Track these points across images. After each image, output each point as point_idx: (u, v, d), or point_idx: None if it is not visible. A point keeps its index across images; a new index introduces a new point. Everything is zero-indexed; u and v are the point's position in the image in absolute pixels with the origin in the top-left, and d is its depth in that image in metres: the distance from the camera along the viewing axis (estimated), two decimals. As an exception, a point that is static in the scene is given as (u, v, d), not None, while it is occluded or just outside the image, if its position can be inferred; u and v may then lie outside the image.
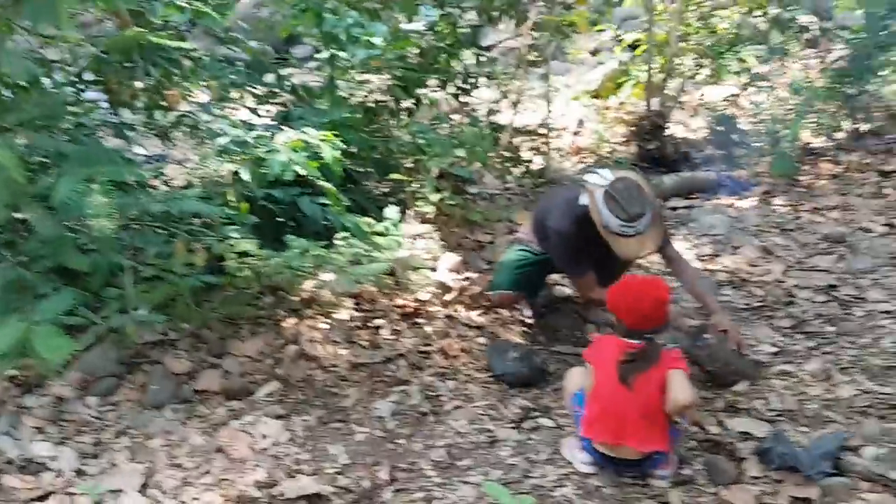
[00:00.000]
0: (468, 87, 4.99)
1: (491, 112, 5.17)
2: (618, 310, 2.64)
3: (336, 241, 3.66)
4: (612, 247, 3.12)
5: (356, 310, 3.70)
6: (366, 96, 4.60)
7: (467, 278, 3.93)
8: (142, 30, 3.23)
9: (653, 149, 5.63)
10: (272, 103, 4.42)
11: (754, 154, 5.69)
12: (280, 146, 3.45)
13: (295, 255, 3.50)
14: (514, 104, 5.07)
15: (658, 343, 2.61)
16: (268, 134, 3.57)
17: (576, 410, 2.72)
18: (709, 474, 2.61)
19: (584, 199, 3.23)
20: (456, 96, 4.91)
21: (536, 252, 3.58)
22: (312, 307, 3.68)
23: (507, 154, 4.88)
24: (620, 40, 6.61)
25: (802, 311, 3.71)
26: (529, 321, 3.76)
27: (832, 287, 3.87)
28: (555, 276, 3.86)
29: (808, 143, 5.69)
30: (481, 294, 3.82)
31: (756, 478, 2.56)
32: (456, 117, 4.98)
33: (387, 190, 4.59)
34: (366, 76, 4.63)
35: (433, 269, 3.97)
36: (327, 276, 3.63)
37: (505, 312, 3.78)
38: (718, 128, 5.95)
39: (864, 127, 5.69)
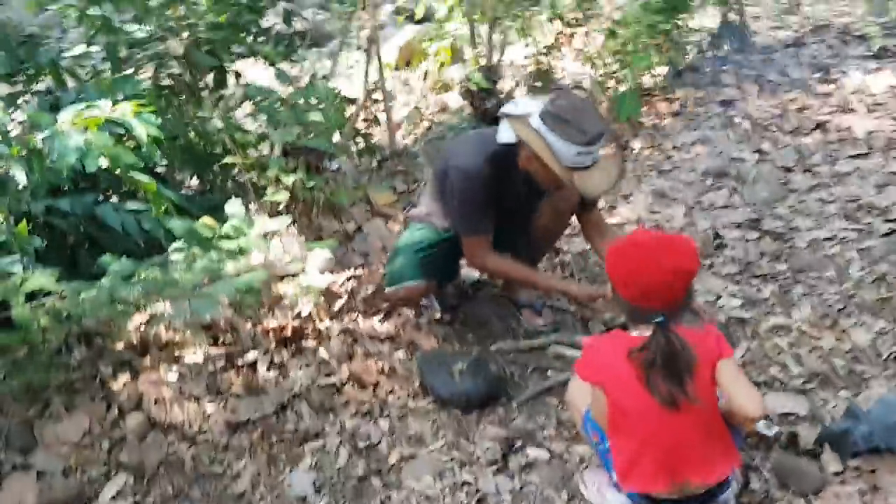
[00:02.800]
0: (282, 52, 4.00)
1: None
2: (619, 279, 1.84)
3: (172, 257, 2.58)
4: (575, 188, 2.39)
5: (213, 345, 2.67)
6: (157, 72, 3.47)
7: (352, 277, 3.02)
8: None
9: (490, 107, 5.02)
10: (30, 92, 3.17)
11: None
12: (66, 127, 2.29)
13: (116, 284, 2.38)
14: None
15: (684, 327, 1.84)
16: (43, 115, 2.38)
17: (595, 441, 1.95)
18: (784, 481, 1.98)
19: (505, 135, 2.47)
20: (272, 62, 3.89)
21: (440, 229, 2.78)
22: (149, 353, 2.60)
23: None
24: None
25: (741, 252, 3.27)
26: (444, 318, 2.94)
27: (755, 221, 3.49)
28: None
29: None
30: (377, 293, 2.95)
31: (839, 473, 1.96)
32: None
33: (207, 187, 3.52)
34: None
35: (300, 274, 3.01)
36: (162, 307, 2.55)
37: (411, 313, 2.93)
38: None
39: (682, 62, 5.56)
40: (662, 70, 5.54)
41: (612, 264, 1.87)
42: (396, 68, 6.68)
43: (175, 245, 2.67)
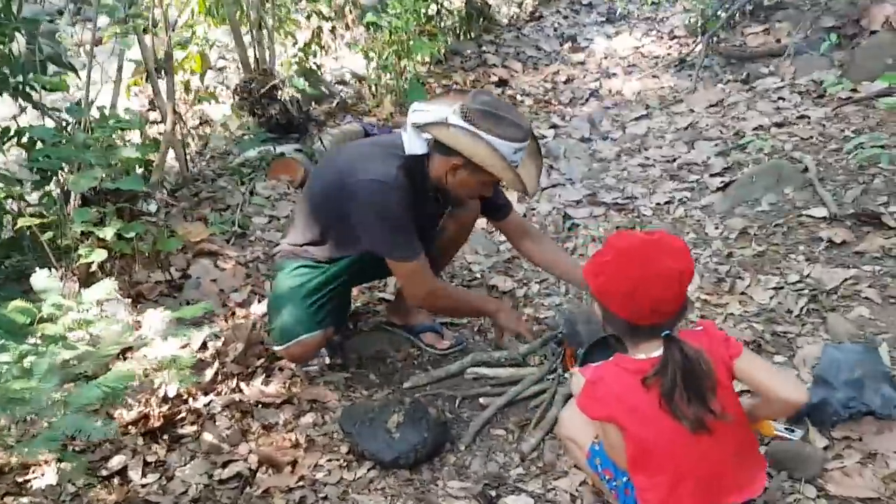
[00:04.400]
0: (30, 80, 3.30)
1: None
2: (615, 297, 1.57)
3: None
4: (509, 187, 2.22)
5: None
6: None
7: (215, 335, 2.61)
8: None
9: (276, 114, 4.65)
10: None
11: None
12: None
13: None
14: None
15: (686, 332, 1.62)
16: None
17: (608, 478, 1.73)
18: (787, 469, 1.86)
19: (414, 145, 2.24)
20: (27, 96, 3.19)
21: (322, 261, 2.44)
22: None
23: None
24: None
25: (596, 230, 3.33)
26: (335, 362, 2.64)
27: (591, 196, 3.60)
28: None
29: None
30: (248, 350, 2.57)
31: (827, 448, 1.91)
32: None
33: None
34: None
35: (141, 345, 2.52)
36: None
37: (294, 365, 2.58)
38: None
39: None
40: (427, 56, 5.55)
41: (604, 283, 1.57)
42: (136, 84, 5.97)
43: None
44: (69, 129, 2.86)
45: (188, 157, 4.09)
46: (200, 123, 5.29)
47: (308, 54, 5.30)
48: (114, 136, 2.92)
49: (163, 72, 3.67)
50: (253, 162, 4.27)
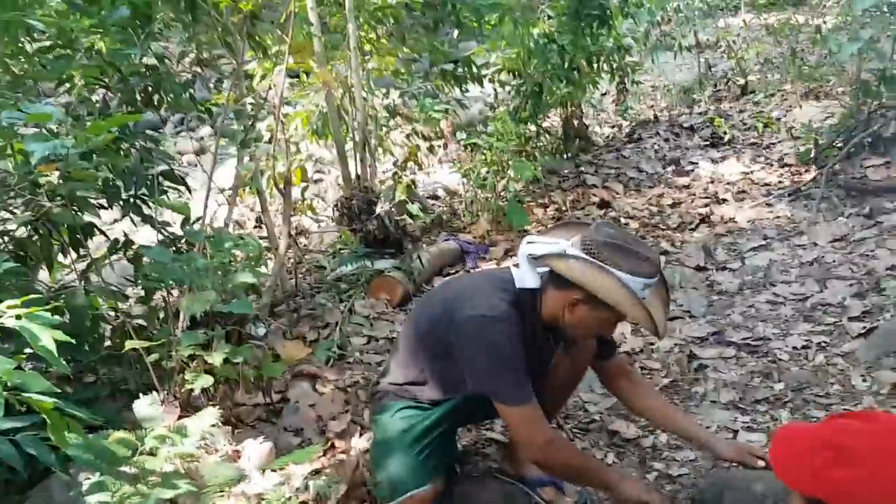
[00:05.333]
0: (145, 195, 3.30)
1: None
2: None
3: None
4: (640, 324, 1.98)
5: None
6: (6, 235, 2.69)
7: (315, 472, 2.40)
8: None
9: (373, 229, 4.59)
10: None
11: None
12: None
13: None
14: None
15: None
16: None
17: None
18: None
19: (528, 278, 2.07)
20: (137, 209, 3.19)
21: (426, 402, 2.24)
22: None
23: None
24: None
25: (728, 374, 3.05)
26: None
27: (718, 334, 3.33)
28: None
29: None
30: (353, 493, 2.35)
31: None
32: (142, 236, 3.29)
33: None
34: None
35: (239, 480, 2.34)
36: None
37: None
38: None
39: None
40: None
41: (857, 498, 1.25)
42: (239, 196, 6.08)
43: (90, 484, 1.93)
44: (180, 244, 2.81)
45: (288, 270, 4.03)
46: (298, 233, 5.31)
47: (404, 170, 5.31)
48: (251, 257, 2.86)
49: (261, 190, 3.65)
50: (350, 277, 4.19)
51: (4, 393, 1.72)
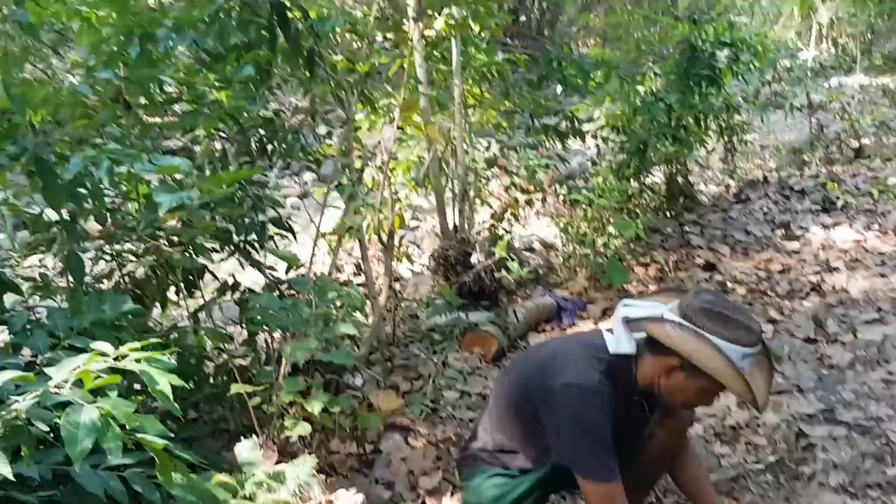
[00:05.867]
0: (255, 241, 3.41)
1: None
2: None
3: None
4: (739, 396, 1.94)
5: None
6: (128, 276, 2.84)
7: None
8: None
9: (469, 281, 4.60)
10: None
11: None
12: (67, 394, 1.64)
13: None
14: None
15: None
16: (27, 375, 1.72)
17: None
18: None
19: (623, 344, 2.02)
20: (247, 254, 3.30)
21: (514, 469, 2.19)
22: None
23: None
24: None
25: (837, 455, 2.86)
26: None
27: (828, 412, 3.15)
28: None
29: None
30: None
31: None
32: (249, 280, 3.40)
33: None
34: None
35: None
36: None
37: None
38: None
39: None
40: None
41: None
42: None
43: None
44: (283, 288, 2.90)
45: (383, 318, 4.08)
46: (394, 280, 5.39)
47: (501, 222, 5.32)
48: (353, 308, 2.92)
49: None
50: (444, 328, 4.20)
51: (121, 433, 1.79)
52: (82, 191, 2.61)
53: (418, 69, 4.30)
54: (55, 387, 1.64)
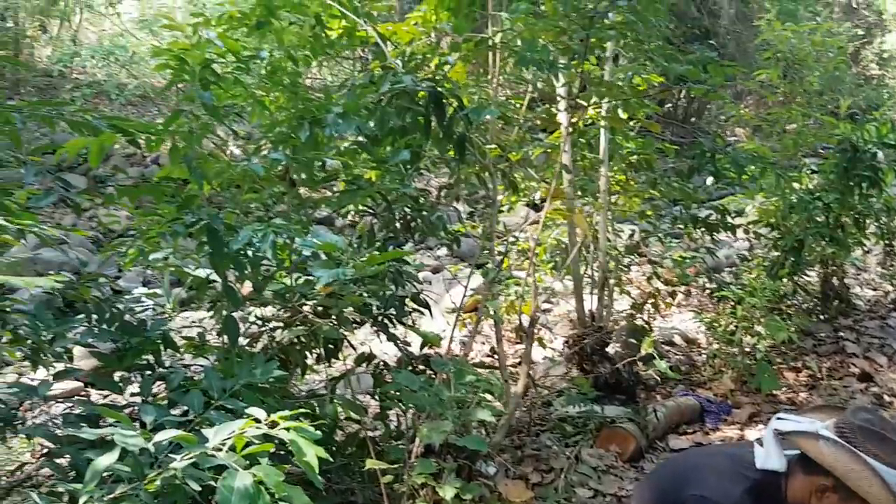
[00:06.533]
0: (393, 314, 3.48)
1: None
2: None
3: None
4: None
5: None
6: (274, 341, 2.97)
7: None
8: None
9: (605, 373, 4.46)
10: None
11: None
12: (223, 458, 1.70)
13: None
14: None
15: None
16: (188, 436, 1.81)
17: None
18: None
19: (772, 460, 1.88)
20: (385, 328, 3.37)
21: None
22: None
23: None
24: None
25: None
26: None
27: None
28: None
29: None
30: None
31: None
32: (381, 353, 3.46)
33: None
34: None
35: None
36: None
37: None
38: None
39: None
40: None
41: None
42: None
43: None
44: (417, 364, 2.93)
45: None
46: (518, 364, 5.31)
47: (640, 312, 5.16)
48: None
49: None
50: (577, 420, 4.07)
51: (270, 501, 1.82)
52: (244, 259, 2.79)
53: (564, 155, 4.34)
54: (212, 449, 1.71)
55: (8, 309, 2.73)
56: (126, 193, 3.13)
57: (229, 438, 1.75)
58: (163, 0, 15.25)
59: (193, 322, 5.33)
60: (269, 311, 3.21)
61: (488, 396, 2.79)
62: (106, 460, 1.71)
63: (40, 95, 12.23)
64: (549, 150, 4.04)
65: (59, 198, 2.98)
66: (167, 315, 3.88)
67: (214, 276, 2.99)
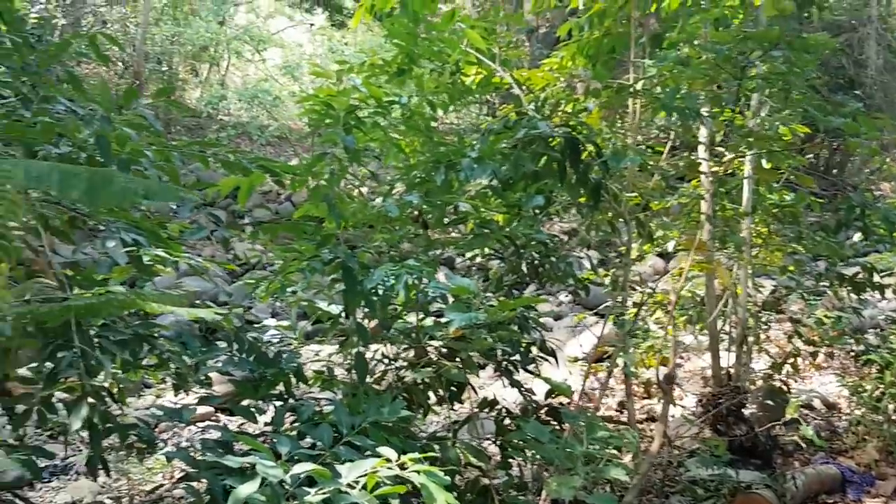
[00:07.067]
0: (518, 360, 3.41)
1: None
2: None
3: None
4: None
5: None
6: (401, 380, 2.99)
7: None
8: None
9: (741, 435, 4.20)
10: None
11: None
12: (354, 491, 1.71)
13: None
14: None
15: None
16: (322, 471, 1.83)
17: None
18: None
19: None
20: (509, 373, 3.32)
21: None
22: None
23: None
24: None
25: None
26: None
27: None
28: None
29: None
30: None
31: None
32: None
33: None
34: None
35: None
36: None
37: None
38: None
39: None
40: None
41: None
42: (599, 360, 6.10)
43: None
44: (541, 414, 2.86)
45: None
46: (647, 419, 5.10)
47: (779, 372, 4.85)
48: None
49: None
50: (709, 483, 3.84)
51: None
52: (375, 298, 2.84)
53: (703, 205, 4.19)
54: (346, 485, 1.73)
55: (155, 334, 2.89)
56: (268, 231, 3.29)
57: (363, 476, 1.76)
58: (304, 48, 16.15)
59: (317, 354, 5.48)
60: (391, 348, 3.25)
61: (615, 453, 2.68)
62: (247, 489, 1.76)
63: (189, 135, 13.19)
64: (687, 200, 3.91)
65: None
66: (294, 347, 4.00)
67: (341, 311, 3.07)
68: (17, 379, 2.73)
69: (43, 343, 2.31)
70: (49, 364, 2.44)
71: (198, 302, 3.02)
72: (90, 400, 2.33)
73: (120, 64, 13.93)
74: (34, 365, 2.71)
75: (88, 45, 2.87)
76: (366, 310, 2.86)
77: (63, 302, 2.10)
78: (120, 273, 2.65)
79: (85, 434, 2.50)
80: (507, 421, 3.22)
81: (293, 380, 2.91)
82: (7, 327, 1.96)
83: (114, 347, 2.42)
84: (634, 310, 3.29)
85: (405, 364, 3.11)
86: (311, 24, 17.27)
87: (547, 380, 3.02)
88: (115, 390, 2.61)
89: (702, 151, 3.95)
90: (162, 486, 3.54)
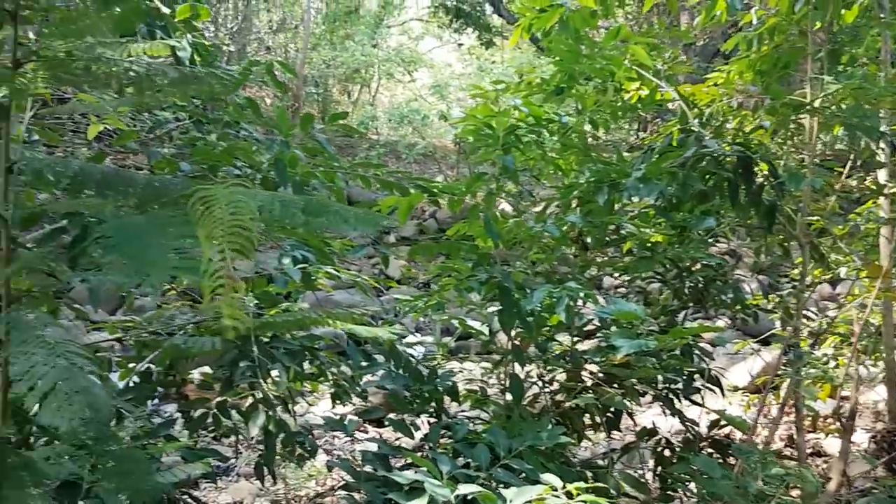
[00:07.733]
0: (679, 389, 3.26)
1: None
2: None
3: None
4: None
5: None
6: (558, 405, 2.93)
7: None
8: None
9: (920, 480, 3.80)
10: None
11: None
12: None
13: None
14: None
15: None
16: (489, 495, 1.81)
17: None
18: None
19: None
20: (670, 402, 3.16)
21: None
22: None
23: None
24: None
25: None
26: None
27: None
28: None
29: None
30: None
31: None
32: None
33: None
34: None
35: None
36: None
37: None
38: None
39: None
40: None
41: None
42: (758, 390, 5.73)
43: None
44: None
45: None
46: (813, 453, 4.73)
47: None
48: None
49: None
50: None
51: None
52: (531, 319, 2.81)
53: (884, 229, 3.85)
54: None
55: (317, 345, 3.00)
56: (424, 250, 3.34)
57: (529, 503, 1.73)
58: (453, 67, 16.50)
59: (461, 371, 5.49)
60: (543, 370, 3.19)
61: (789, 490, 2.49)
62: (417, 507, 1.77)
63: (341, 153, 13.76)
64: (865, 223, 3.61)
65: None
66: (438, 362, 4.01)
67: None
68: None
69: (223, 351, 2.45)
70: (224, 370, 2.59)
71: (368, 319, 3.09)
72: (265, 408, 2.44)
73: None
74: (206, 370, 2.89)
75: (266, 72, 3.04)
76: (520, 329, 2.83)
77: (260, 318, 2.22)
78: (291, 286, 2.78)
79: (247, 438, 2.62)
80: (666, 452, 3.08)
81: (446, 397, 2.92)
82: (217, 342, 2.09)
83: (285, 358, 2.53)
84: (808, 339, 3.05)
85: (559, 387, 3.05)
86: (460, 44, 17.60)
87: (720, 412, 2.86)
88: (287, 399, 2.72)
89: (882, 174, 3.65)
90: (324, 493, 3.66)
